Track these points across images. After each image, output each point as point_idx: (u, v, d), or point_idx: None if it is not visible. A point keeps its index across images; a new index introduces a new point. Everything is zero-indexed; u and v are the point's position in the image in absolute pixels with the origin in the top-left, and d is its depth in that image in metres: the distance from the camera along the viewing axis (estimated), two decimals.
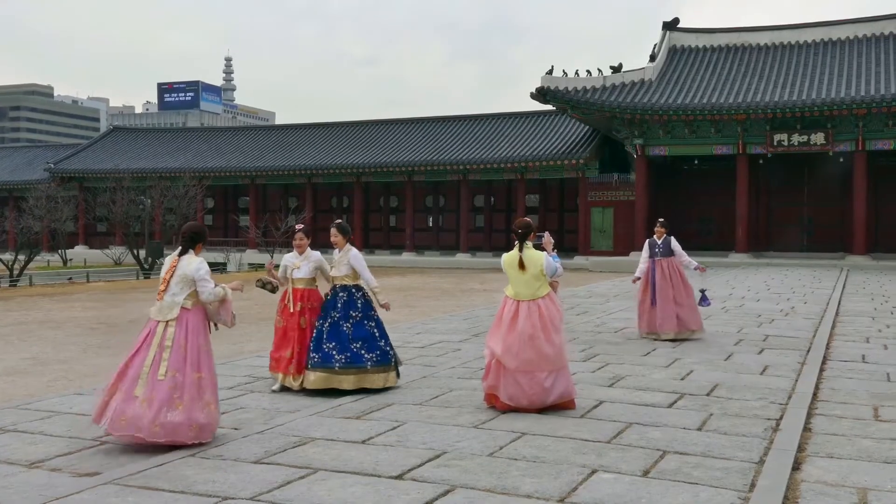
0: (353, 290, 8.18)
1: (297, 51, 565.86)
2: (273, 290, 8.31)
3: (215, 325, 6.53)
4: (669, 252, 12.31)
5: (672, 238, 12.43)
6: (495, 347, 7.29)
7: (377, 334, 8.15)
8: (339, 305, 8.10)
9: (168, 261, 6.48)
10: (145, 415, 5.96)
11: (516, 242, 7.43)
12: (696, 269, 12.51)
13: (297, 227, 8.74)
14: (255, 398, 7.94)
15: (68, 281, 35.98)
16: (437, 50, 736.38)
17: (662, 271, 12.20)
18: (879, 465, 5.65)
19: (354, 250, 8.29)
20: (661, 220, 12.86)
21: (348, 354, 7.92)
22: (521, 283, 7.36)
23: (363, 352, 7.98)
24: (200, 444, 6.07)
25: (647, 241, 12.62)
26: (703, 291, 12.51)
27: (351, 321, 8.05)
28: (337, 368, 7.89)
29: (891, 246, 37.08)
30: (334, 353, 7.92)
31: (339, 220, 8.61)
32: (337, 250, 8.31)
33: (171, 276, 6.33)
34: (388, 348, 8.17)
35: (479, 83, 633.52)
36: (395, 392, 8.13)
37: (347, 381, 7.92)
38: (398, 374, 8.33)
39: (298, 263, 8.36)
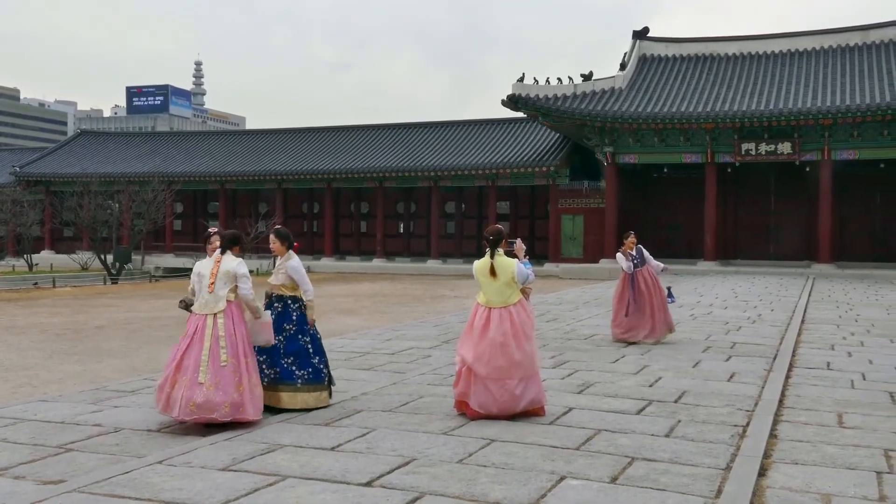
0: (290, 302, 7.66)
1: (268, 55, 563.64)
2: None
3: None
4: (643, 261, 12.57)
5: (642, 247, 12.70)
6: (466, 355, 7.29)
7: (311, 350, 7.62)
8: (273, 317, 7.56)
9: (210, 262, 7.25)
10: (215, 398, 6.71)
11: (487, 249, 7.44)
12: (662, 270, 12.86)
13: (210, 230, 8.19)
14: None
15: (34, 286, 35.50)
16: (409, 56, 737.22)
17: (645, 280, 12.46)
18: (843, 471, 5.73)
19: (294, 260, 7.73)
20: (631, 231, 13.11)
21: (278, 370, 7.48)
22: (492, 290, 7.38)
23: (294, 368, 7.50)
24: (256, 422, 6.92)
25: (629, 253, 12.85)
26: (668, 288, 12.89)
27: (284, 334, 7.55)
28: (265, 384, 7.39)
29: (856, 255, 37.58)
30: (264, 367, 7.49)
31: (278, 226, 8.09)
32: (278, 258, 7.81)
33: (217, 272, 7.10)
34: (321, 366, 7.64)
35: (451, 89, 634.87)
36: (365, 398, 8.11)
37: (275, 399, 7.47)
38: (330, 394, 7.83)
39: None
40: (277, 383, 7.49)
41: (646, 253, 12.66)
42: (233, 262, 7.16)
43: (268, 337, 7.29)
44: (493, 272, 7.34)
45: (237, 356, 6.94)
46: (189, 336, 7.01)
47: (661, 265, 12.86)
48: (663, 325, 12.44)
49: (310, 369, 7.56)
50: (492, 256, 7.39)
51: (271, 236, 7.88)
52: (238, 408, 6.81)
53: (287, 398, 7.48)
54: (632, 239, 12.69)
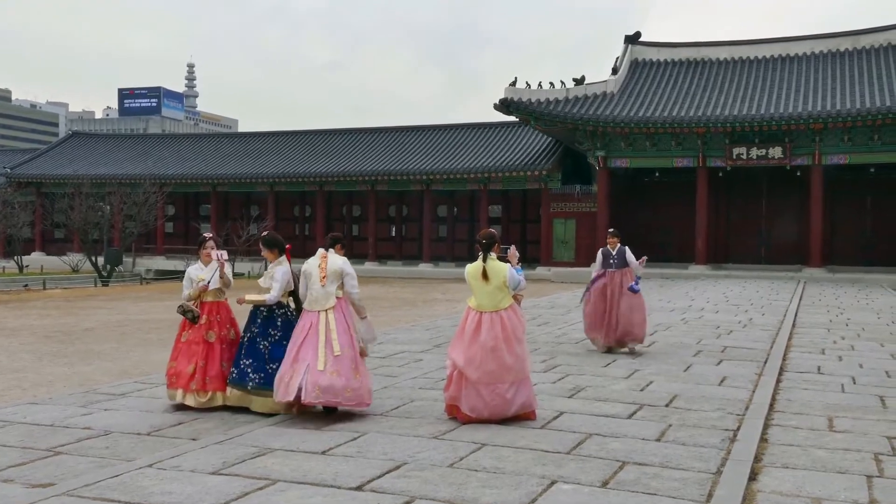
0: (275, 307, 7.71)
1: (261, 56, 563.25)
2: (194, 318, 7.87)
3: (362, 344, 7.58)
4: (624, 263, 11.94)
5: (626, 248, 12.01)
6: (457, 359, 7.28)
7: None
8: (259, 321, 7.69)
9: (316, 259, 7.58)
10: (338, 383, 7.15)
11: (480, 253, 7.45)
12: (639, 262, 11.93)
13: (205, 235, 8.26)
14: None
15: (24, 288, 35.34)
16: (402, 56, 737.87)
17: (611, 283, 11.86)
18: (833, 475, 5.74)
19: (283, 266, 7.73)
20: (611, 229, 12.39)
21: (262, 374, 7.53)
22: (483, 294, 7.37)
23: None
24: (366, 406, 7.43)
25: (601, 250, 12.21)
26: (638, 279, 11.98)
27: (269, 340, 7.63)
28: (250, 388, 7.55)
29: (846, 259, 37.71)
30: (249, 371, 7.57)
31: (266, 233, 8.10)
32: (270, 264, 7.86)
33: (326, 268, 7.49)
34: None
35: (445, 89, 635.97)
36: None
37: (257, 403, 7.54)
38: None
39: (203, 276, 7.99)
40: (261, 388, 7.54)
41: (628, 255, 11.93)
42: (339, 261, 7.57)
43: (372, 335, 7.81)
44: (485, 276, 7.34)
45: (352, 346, 7.37)
46: (304, 331, 7.36)
47: (636, 265, 11.90)
48: (623, 333, 11.67)
49: None
50: (484, 260, 7.39)
51: (260, 244, 7.93)
52: (358, 393, 7.28)
53: (267, 404, 7.52)
54: (610, 238, 12.07)
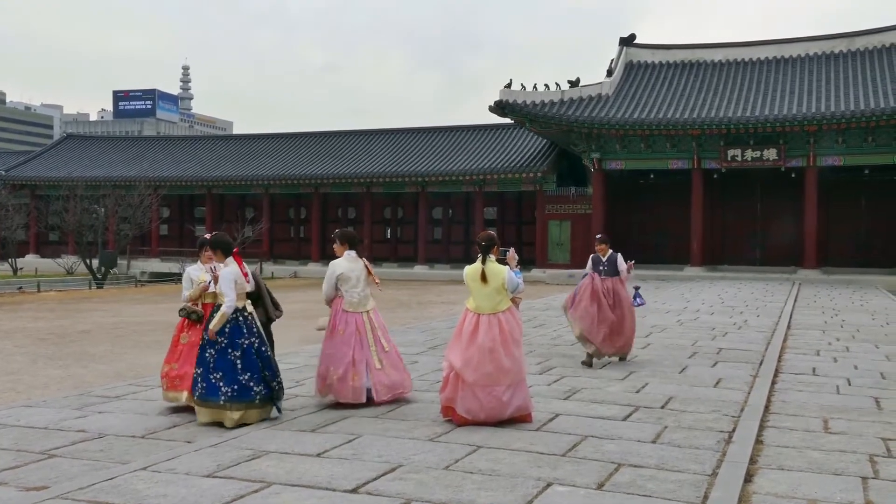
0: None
1: (256, 57, 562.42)
2: (199, 318, 7.79)
3: None
4: (615, 271, 11.21)
5: (619, 255, 11.33)
6: (455, 360, 7.27)
7: (240, 366, 7.21)
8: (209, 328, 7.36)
9: (356, 263, 8.16)
10: (397, 376, 8.08)
11: (479, 255, 7.44)
12: (627, 268, 11.32)
13: (206, 237, 8.12)
14: None
15: (18, 290, 35.22)
16: (397, 58, 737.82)
17: (609, 289, 11.15)
18: (828, 476, 5.74)
19: (229, 268, 7.36)
20: (599, 235, 11.68)
21: (205, 385, 7.22)
22: (482, 295, 7.36)
23: (221, 384, 7.17)
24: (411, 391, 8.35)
25: (591, 256, 11.51)
26: (636, 289, 11.56)
27: (215, 348, 7.25)
28: (196, 397, 7.32)
29: (841, 260, 37.79)
30: (199, 380, 7.29)
31: (216, 233, 7.85)
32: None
33: (373, 273, 8.22)
34: (251, 383, 7.21)
35: (440, 92, 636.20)
36: (352, 404, 8.07)
37: (202, 414, 7.28)
38: (278, 410, 7.50)
39: (203, 277, 7.86)
40: (202, 399, 7.25)
41: (619, 262, 11.26)
42: (369, 266, 8.28)
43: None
44: (483, 278, 7.33)
45: (391, 343, 8.18)
46: (353, 333, 7.97)
47: (624, 269, 11.28)
48: (608, 343, 10.95)
49: (235, 386, 7.17)
50: (483, 262, 7.38)
51: (207, 246, 7.75)
52: (408, 381, 8.28)
53: (209, 413, 7.25)
54: (599, 245, 11.41)
